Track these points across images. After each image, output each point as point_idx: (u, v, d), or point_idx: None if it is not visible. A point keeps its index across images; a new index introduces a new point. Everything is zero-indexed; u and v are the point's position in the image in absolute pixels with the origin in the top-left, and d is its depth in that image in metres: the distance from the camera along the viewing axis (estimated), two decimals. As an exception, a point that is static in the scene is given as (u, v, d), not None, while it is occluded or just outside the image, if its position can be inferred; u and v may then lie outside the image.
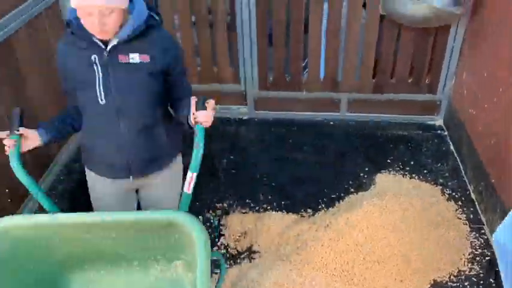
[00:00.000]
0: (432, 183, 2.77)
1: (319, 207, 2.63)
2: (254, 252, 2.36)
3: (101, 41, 1.59)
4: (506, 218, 1.91)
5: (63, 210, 1.63)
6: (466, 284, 2.18)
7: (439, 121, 3.32)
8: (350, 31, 3.04)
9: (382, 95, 3.26)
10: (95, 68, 1.62)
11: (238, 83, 3.33)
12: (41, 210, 2.34)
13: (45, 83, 2.79)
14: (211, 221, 2.53)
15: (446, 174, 2.84)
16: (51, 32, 2.81)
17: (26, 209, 2.59)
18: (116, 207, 1.89)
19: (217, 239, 2.43)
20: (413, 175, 2.83)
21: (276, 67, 3.25)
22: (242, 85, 3.33)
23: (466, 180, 2.79)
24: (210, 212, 2.60)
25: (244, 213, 2.59)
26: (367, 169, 2.90)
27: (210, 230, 2.47)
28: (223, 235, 2.46)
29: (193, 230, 1.49)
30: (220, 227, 2.50)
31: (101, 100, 1.64)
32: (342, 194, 2.71)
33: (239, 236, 2.45)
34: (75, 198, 2.73)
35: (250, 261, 2.31)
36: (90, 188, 1.93)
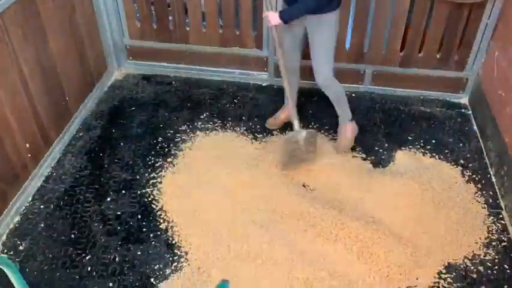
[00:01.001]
0: (453, 163, 2.72)
1: (336, 181, 2.61)
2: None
3: None
4: None
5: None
6: (480, 268, 2.18)
7: (464, 99, 3.23)
8: (380, 0, 2.91)
9: (408, 69, 3.16)
10: None
11: (260, 49, 3.25)
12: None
13: (66, 41, 2.75)
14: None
15: (468, 155, 2.79)
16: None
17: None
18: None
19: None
20: (434, 154, 2.79)
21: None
22: (264, 51, 3.25)
23: (488, 163, 2.74)
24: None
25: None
26: (386, 145, 2.85)
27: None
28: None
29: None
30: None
31: None
32: (360, 169, 2.68)
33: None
34: (93, 154, 2.75)
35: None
36: None
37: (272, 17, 2.41)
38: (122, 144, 2.83)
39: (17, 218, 2.39)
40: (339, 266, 2.15)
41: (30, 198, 2.49)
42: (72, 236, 2.31)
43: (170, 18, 3.23)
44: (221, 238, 2.27)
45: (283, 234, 2.28)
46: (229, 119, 3.04)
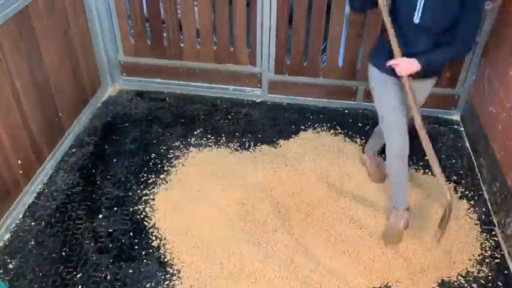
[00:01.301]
0: (445, 180, 2.73)
1: (330, 197, 2.61)
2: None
3: None
4: None
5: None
6: (474, 285, 2.17)
7: (456, 116, 3.26)
8: (373, 18, 2.95)
9: (400, 86, 3.19)
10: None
11: (254, 65, 3.28)
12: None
13: (60, 58, 2.75)
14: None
15: (461, 172, 2.81)
16: (68, 2, 2.76)
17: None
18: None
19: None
20: (427, 170, 2.80)
21: (294, 51, 3.18)
22: (258, 67, 3.28)
23: (480, 180, 2.75)
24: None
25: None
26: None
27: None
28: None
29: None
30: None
31: (416, 19, 2.00)
32: (354, 186, 2.68)
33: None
34: (85, 171, 2.73)
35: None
36: (373, 78, 2.29)
37: (409, 64, 2.04)
38: (114, 160, 2.82)
39: (7, 236, 2.36)
40: (334, 284, 2.13)
41: (21, 215, 2.46)
42: (63, 253, 2.28)
43: (164, 34, 3.25)
44: (214, 256, 2.25)
45: (276, 252, 2.27)
46: (223, 135, 3.04)
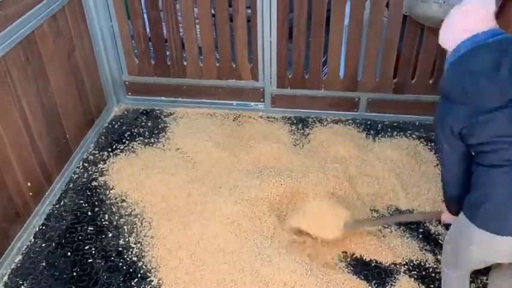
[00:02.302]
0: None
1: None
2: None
3: None
4: None
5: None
6: None
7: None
8: (372, 29, 3.00)
9: (402, 95, 3.22)
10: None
11: (256, 80, 3.32)
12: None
13: (66, 80, 2.81)
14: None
15: (466, 179, 2.81)
16: (73, 25, 2.83)
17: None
18: None
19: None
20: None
21: (295, 65, 3.22)
22: (260, 82, 3.32)
23: (486, 185, 2.76)
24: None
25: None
26: (385, 171, 2.88)
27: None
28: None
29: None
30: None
31: None
32: (360, 196, 2.70)
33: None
34: (94, 190, 2.75)
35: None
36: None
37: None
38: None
39: (19, 258, 2.38)
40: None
41: (31, 237, 2.49)
42: (74, 273, 2.30)
43: (167, 53, 3.31)
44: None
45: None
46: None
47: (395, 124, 3.27)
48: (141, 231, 2.50)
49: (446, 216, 1.96)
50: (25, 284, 2.25)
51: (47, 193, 2.65)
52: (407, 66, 3.11)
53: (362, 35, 3.05)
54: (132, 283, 2.25)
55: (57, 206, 2.68)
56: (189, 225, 2.50)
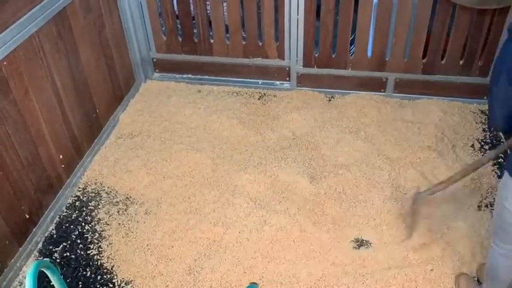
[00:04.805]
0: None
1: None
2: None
3: None
4: None
5: None
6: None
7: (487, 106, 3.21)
8: (402, 8, 2.94)
9: (431, 75, 3.17)
10: None
11: (282, 59, 3.31)
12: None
13: (96, 56, 2.86)
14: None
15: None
16: (102, 2, 2.87)
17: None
18: None
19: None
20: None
21: (322, 44, 3.20)
22: (286, 61, 3.31)
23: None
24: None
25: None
26: (410, 152, 2.86)
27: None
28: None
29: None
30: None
31: None
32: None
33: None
34: (123, 163, 2.83)
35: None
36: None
37: None
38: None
39: (52, 227, 2.49)
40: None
41: (64, 207, 2.59)
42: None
43: (195, 31, 3.33)
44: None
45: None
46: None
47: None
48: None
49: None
50: (58, 251, 2.36)
51: (77, 166, 2.74)
52: (437, 47, 3.05)
53: (391, 13, 2.99)
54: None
55: (87, 178, 2.77)
56: (214, 200, 2.56)
